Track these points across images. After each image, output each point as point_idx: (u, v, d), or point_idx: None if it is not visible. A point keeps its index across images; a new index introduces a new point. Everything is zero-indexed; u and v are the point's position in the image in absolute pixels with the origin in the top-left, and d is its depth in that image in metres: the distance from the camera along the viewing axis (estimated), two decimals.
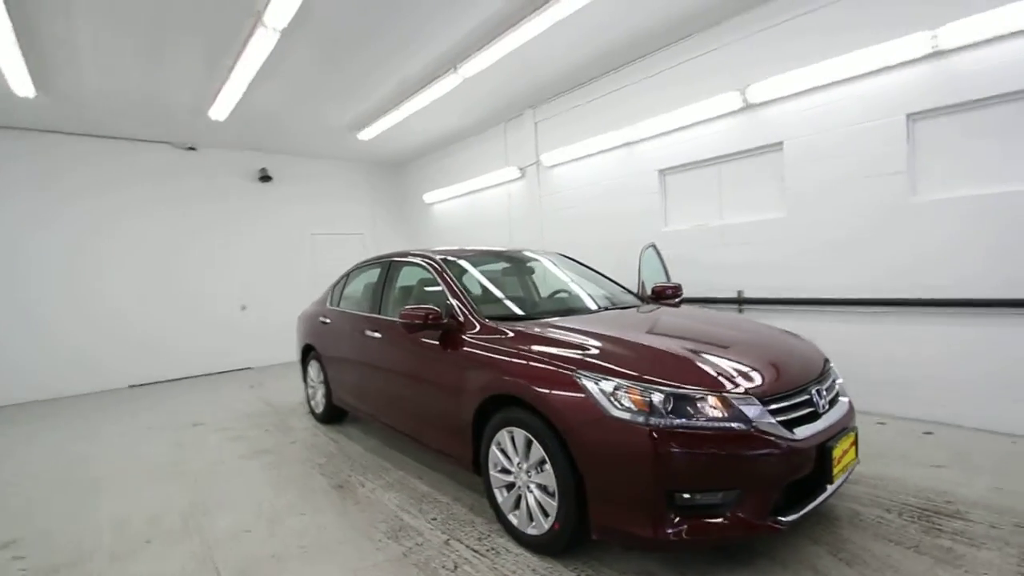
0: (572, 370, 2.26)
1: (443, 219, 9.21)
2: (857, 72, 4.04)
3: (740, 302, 4.97)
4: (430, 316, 2.97)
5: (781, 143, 4.61)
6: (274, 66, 5.22)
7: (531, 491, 2.45)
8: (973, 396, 3.69)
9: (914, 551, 2.28)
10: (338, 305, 4.69)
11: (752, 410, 2.06)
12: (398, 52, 5.23)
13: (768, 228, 4.76)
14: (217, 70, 5.29)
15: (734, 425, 2.02)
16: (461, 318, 3.01)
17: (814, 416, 2.24)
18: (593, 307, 3.35)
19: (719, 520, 2.01)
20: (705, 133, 5.14)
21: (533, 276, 4.04)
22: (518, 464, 2.50)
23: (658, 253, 5.15)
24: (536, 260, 4.00)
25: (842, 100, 4.18)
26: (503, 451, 2.59)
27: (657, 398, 2.05)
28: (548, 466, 2.31)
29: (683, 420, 2.01)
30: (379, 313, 3.87)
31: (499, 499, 2.64)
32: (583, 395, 2.17)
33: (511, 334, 2.73)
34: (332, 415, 4.70)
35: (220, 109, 6.20)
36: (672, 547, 2.03)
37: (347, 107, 6.74)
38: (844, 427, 2.35)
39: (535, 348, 2.53)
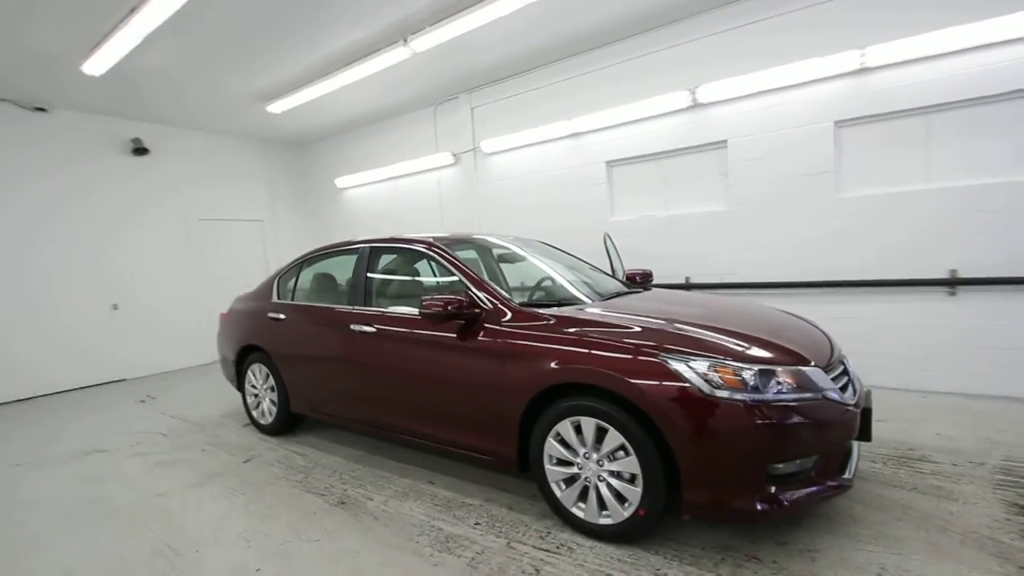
0: (655, 352, 2.25)
1: (358, 205, 8.54)
2: (795, 81, 4.57)
3: (687, 287, 5.37)
4: (454, 305, 2.74)
5: (725, 141, 5.05)
6: (185, 18, 4.36)
7: (603, 481, 2.38)
8: (891, 363, 4.42)
9: (916, 491, 2.68)
10: (292, 299, 4.11)
11: (822, 380, 2.24)
12: (340, 17, 4.70)
13: (712, 220, 5.20)
14: (111, 14, 4.26)
15: (811, 395, 2.17)
16: (489, 306, 2.82)
17: (850, 383, 2.51)
18: (605, 292, 3.35)
19: (804, 485, 2.15)
20: (654, 128, 5.43)
21: (524, 263, 3.92)
22: (584, 455, 2.42)
23: (612, 242, 5.34)
24: (521, 247, 3.88)
25: (781, 105, 4.71)
26: (563, 443, 2.49)
27: (748, 375, 2.12)
28: (628, 453, 2.27)
29: (772, 394, 2.11)
30: (367, 305, 3.46)
31: (558, 494, 2.53)
32: (674, 377, 2.16)
33: (552, 320, 2.63)
34: (285, 425, 4.11)
35: (99, 63, 5.00)
36: (767, 517, 2.13)
37: (262, 74, 5.88)
38: None
39: (594, 333, 2.46)
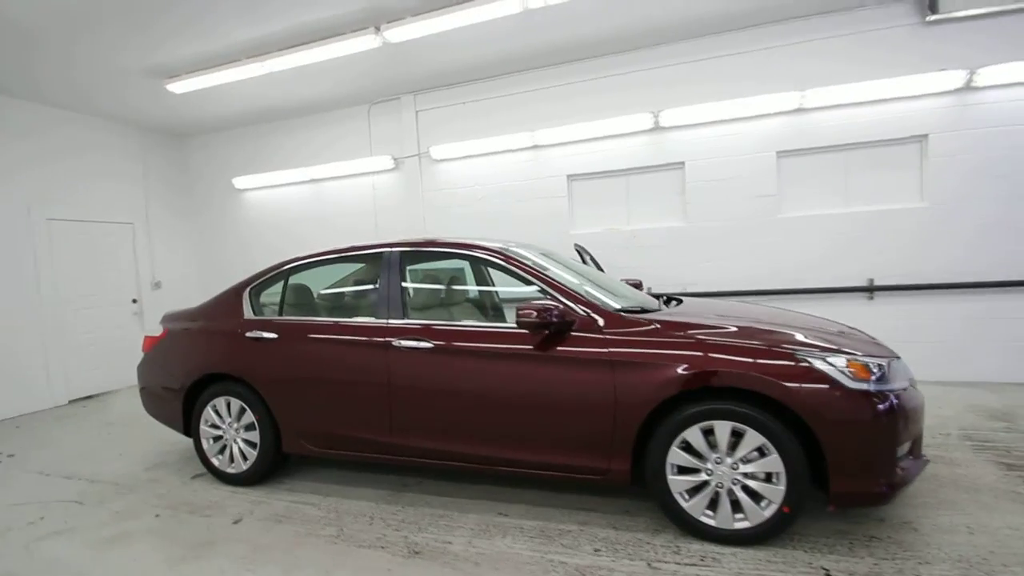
0: (793, 351, 2.34)
1: (265, 210, 7.42)
2: (746, 114, 5.21)
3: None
4: (553, 313, 2.55)
5: (683, 163, 5.52)
6: None
7: (737, 484, 2.38)
8: None
9: None
10: (281, 313, 3.39)
11: (908, 370, 2.54)
12: None
13: (672, 235, 5.61)
14: None
15: (909, 384, 2.46)
16: (581, 313, 2.66)
17: None
18: (646, 300, 3.35)
19: (912, 464, 2.41)
20: (617, 146, 5.71)
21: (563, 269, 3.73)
22: (716, 460, 2.40)
23: (589, 253, 5.45)
24: (543, 254, 3.72)
25: (733, 134, 5.31)
26: (689, 450, 2.43)
27: (875, 367, 2.32)
28: (767, 452, 2.31)
29: (893, 385, 2.33)
30: (406, 317, 3.00)
31: (683, 504, 2.46)
32: (818, 374, 2.27)
33: (656, 324, 2.59)
34: (268, 471, 3.34)
35: None
36: (894, 497, 2.32)
37: (166, 45, 4.82)
38: None
39: (707, 335, 2.48)
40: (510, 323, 2.75)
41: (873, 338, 2.98)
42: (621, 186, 5.85)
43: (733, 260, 5.42)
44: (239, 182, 7.33)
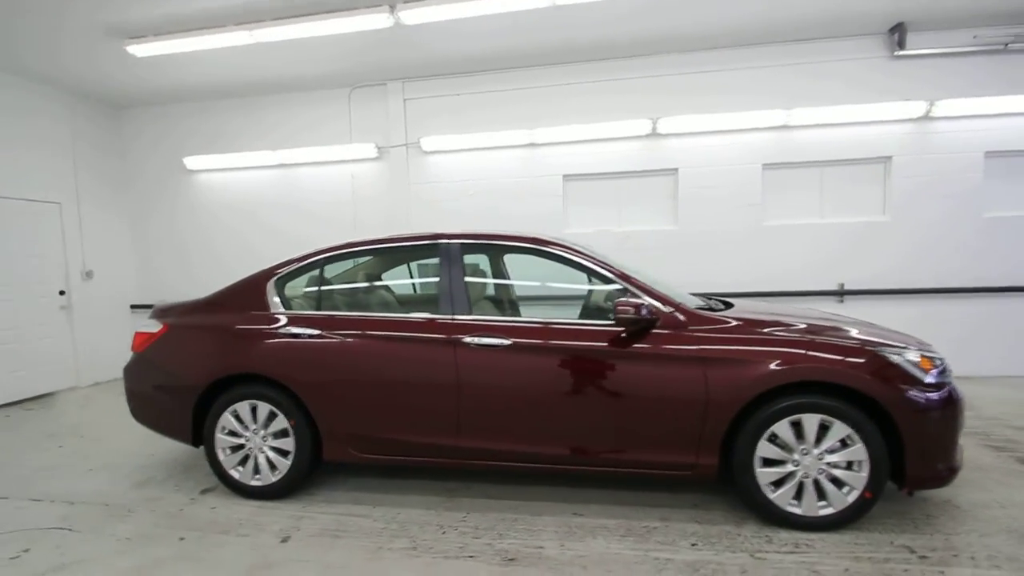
0: (875, 347, 2.51)
1: (220, 194, 6.69)
2: (737, 127, 5.53)
3: None
4: (647, 310, 2.56)
5: (677, 169, 5.76)
6: None
7: (822, 473, 2.51)
8: None
9: None
10: (319, 307, 3.08)
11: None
12: None
13: (663, 237, 5.83)
14: None
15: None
16: (667, 310, 2.68)
17: None
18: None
19: (960, 449, 2.67)
20: (613, 149, 5.82)
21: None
22: (803, 451, 2.52)
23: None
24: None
25: (724, 145, 5.62)
26: (776, 443, 2.53)
27: (938, 361, 2.55)
28: (852, 442, 2.46)
29: (950, 377, 2.58)
30: (471, 313, 2.84)
31: (770, 495, 2.55)
32: (898, 367, 2.45)
33: (736, 322, 2.68)
34: (299, 482, 3.02)
35: None
36: (954, 478, 2.55)
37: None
38: None
39: (788, 333, 2.61)
40: (588, 319, 2.73)
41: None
42: (614, 188, 5.97)
43: (721, 264, 5.73)
44: (192, 162, 6.57)
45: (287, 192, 6.53)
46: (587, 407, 2.68)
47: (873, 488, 2.47)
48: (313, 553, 2.47)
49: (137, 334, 3.28)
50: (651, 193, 5.90)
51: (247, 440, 3.03)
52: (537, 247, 2.97)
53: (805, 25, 5.08)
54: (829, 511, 2.52)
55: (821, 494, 2.53)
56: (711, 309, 2.86)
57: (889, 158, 5.38)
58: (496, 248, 3.19)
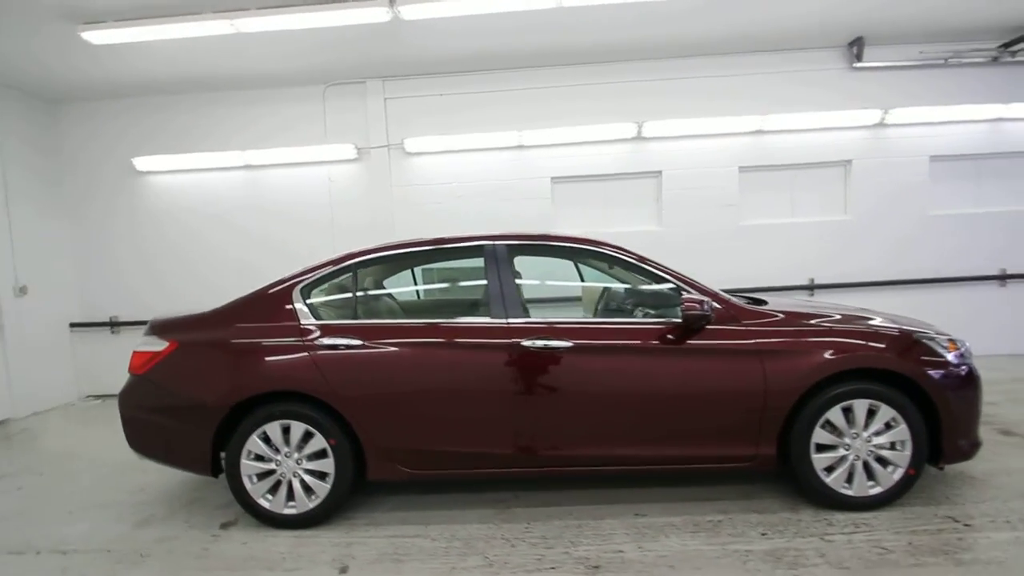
0: (911, 334, 2.70)
1: (176, 198, 6.10)
2: (716, 131, 5.80)
3: None
4: (708, 307, 2.63)
5: (661, 172, 5.94)
6: None
7: (871, 455, 2.66)
8: None
9: None
10: (356, 316, 2.88)
11: None
12: None
13: (647, 238, 5.96)
14: None
15: None
16: (720, 307, 2.75)
17: None
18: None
19: None
20: (600, 151, 5.91)
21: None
22: (853, 435, 2.65)
23: None
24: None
25: (705, 149, 5.87)
26: (830, 429, 2.65)
27: (963, 347, 2.78)
28: (895, 424, 2.62)
29: (971, 360, 2.82)
30: (526, 316, 2.77)
31: (826, 480, 2.66)
32: (934, 353, 2.65)
33: (781, 315, 2.80)
34: (338, 505, 2.79)
35: None
36: (976, 452, 2.78)
37: None
38: None
39: (831, 324, 2.76)
40: (643, 318, 2.77)
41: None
42: (601, 190, 6.06)
43: (702, 262, 5.87)
44: (141, 163, 5.95)
45: (257, 195, 6.07)
46: (652, 405, 2.68)
47: (915, 465, 2.65)
48: None
49: (136, 354, 2.90)
50: (636, 195, 6.05)
51: (278, 464, 2.76)
52: (592, 248, 2.96)
53: (776, 37, 5.42)
54: (878, 490, 2.67)
55: (869, 475, 2.68)
56: (756, 303, 2.96)
57: (850, 161, 5.85)
58: (542, 250, 3.13)
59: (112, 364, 6.19)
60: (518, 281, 2.88)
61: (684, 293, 2.76)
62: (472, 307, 3.04)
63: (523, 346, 2.68)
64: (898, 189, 5.81)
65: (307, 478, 2.76)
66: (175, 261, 6.11)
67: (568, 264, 3.36)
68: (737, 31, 5.23)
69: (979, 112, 5.60)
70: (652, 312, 2.95)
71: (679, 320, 2.70)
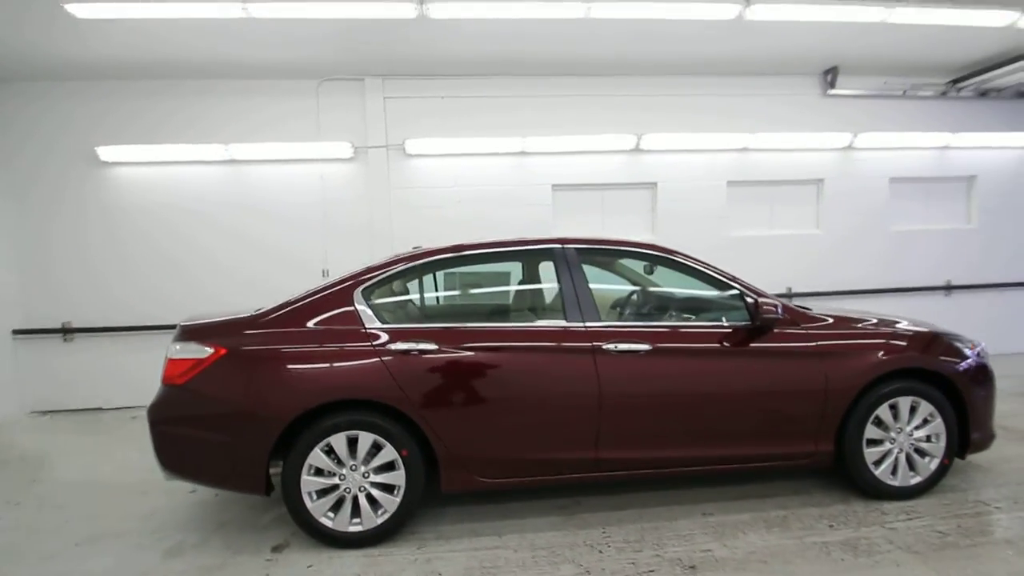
0: (942, 335, 2.98)
1: (143, 193, 5.54)
2: (708, 147, 6.11)
3: None
4: (779, 309, 2.78)
5: (656, 183, 6.16)
6: None
7: (913, 447, 2.89)
8: None
9: None
10: (423, 320, 2.79)
11: None
12: None
13: None
14: None
15: None
16: (760, 310, 2.88)
17: None
18: None
19: None
20: (600, 161, 6.04)
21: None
22: (898, 430, 2.87)
23: None
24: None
25: (697, 163, 6.16)
26: (879, 425, 2.85)
27: (982, 347, 3.09)
28: (932, 419, 2.87)
29: (987, 360, 3.13)
30: (598, 320, 2.77)
31: (875, 472, 2.86)
32: (961, 354, 2.94)
33: (831, 319, 3.00)
34: (405, 521, 2.65)
35: None
36: (991, 443, 3.09)
37: None
38: None
39: (876, 327, 2.98)
40: (710, 322, 2.88)
41: None
42: (599, 199, 6.19)
43: None
44: (106, 153, 5.37)
45: (243, 192, 5.65)
46: (725, 406, 2.77)
47: (948, 455, 2.91)
48: None
49: (173, 362, 2.60)
50: (633, 205, 6.23)
51: (342, 479, 2.57)
52: (654, 253, 3.03)
53: (763, 61, 5.80)
54: (917, 480, 2.91)
55: (910, 466, 2.91)
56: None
57: (822, 180, 6.36)
58: (613, 254, 3.16)
59: (65, 376, 5.54)
60: (591, 284, 2.87)
61: (748, 298, 2.87)
62: (542, 311, 3.00)
63: (604, 349, 2.68)
64: (863, 207, 6.38)
65: (376, 493, 2.59)
66: (149, 259, 5.55)
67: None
68: (732, 55, 5.55)
69: (930, 140, 6.28)
70: (693, 316, 3.09)
71: (746, 323, 2.81)
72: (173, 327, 2.79)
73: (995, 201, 6.53)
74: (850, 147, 6.26)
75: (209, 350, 2.59)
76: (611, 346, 2.69)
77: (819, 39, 5.28)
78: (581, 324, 2.74)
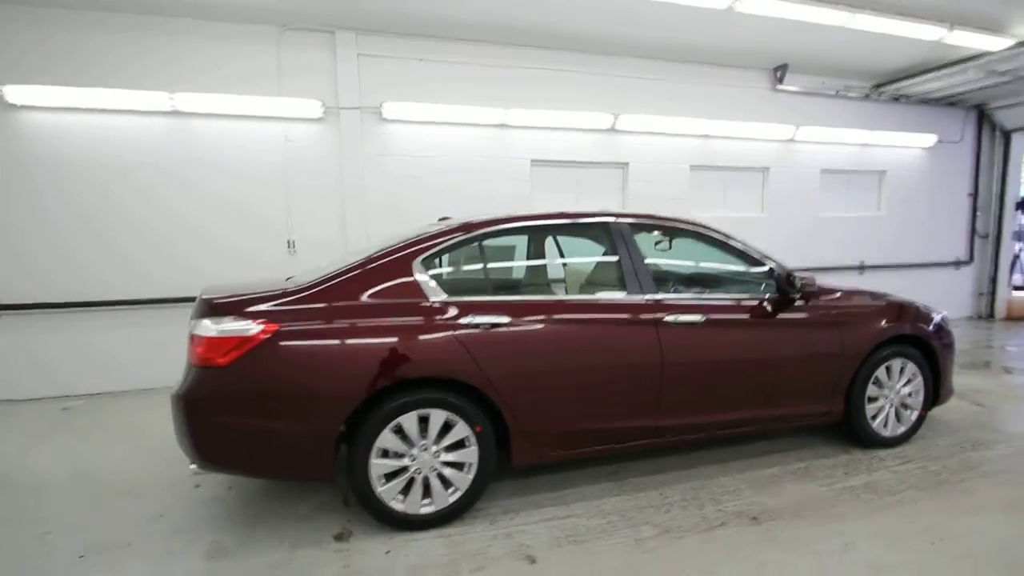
0: (919, 306, 3.44)
1: (62, 146, 4.63)
2: (675, 131, 6.41)
3: None
4: (815, 283, 3.05)
5: (628, 163, 6.36)
6: None
7: (900, 402, 3.34)
8: None
9: None
10: (487, 292, 2.67)
11: None
12: None
13: None
14: None
15: None
16: (798, 284, 3.17)
17: None
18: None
19: None
20: (577, 138, 6.10)
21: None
22: (890, 387, 3.30)
23: None
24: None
25: (665, 146, 6.44)
26: (877, 384, 3.26)
27: (942, 312, 3.62)
28: (915, 377, 3.34)
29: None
30: (657, 292, 2.84)
31: (873, 425, 3.28)
32: (934, 320, 3.43)
33: (839, 292, 3.35)
34: (476, 499, 2.57)
35: None
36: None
37: None
38: None
39: (874, 299, 3.38)
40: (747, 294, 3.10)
41: None
42: (575, 176, 6.27)
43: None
44: (16, 93, 4.41)
45: (190, 150, 4.93)
46: (767, 371, 3.01)
47: (925, 408, 3.41)
48: (579, 563, 2.21)
49: (209, 341, 2.25)
50: (605, 183, 6.39)
51: (412, 459, 2.43)
52: (693, 229, 3.16)
53: (727, 53, 6.17)
54: (902, 430, 3.38)
55: (897, 418, 3.37)
56: None
57: (767, 168, 6.96)
58: (662, 230, 3.22)
59: None
60: (650, 259, 2.94)
61: (781, 273, 3.10)
62: (601, 285, 2.99)
63: (666, 321, 2.77)
64: (799, 194, 7.11)
65: (447, 472, 2.48)
66: (74, 223, 4.68)
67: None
68: (707, 44, 5.82)
69: (854, 136, 7.11)
70: (728, 289, 3.31)
71: (782, 295, 3.05)
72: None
73: (901, 192, 7.60)
74: (792, 139, 6.90)
75: (257, 327, 2.28)
76: (671, 317, 2.78)
77: (777, 36, 5.69)
78: (641, 297, 2.80)
